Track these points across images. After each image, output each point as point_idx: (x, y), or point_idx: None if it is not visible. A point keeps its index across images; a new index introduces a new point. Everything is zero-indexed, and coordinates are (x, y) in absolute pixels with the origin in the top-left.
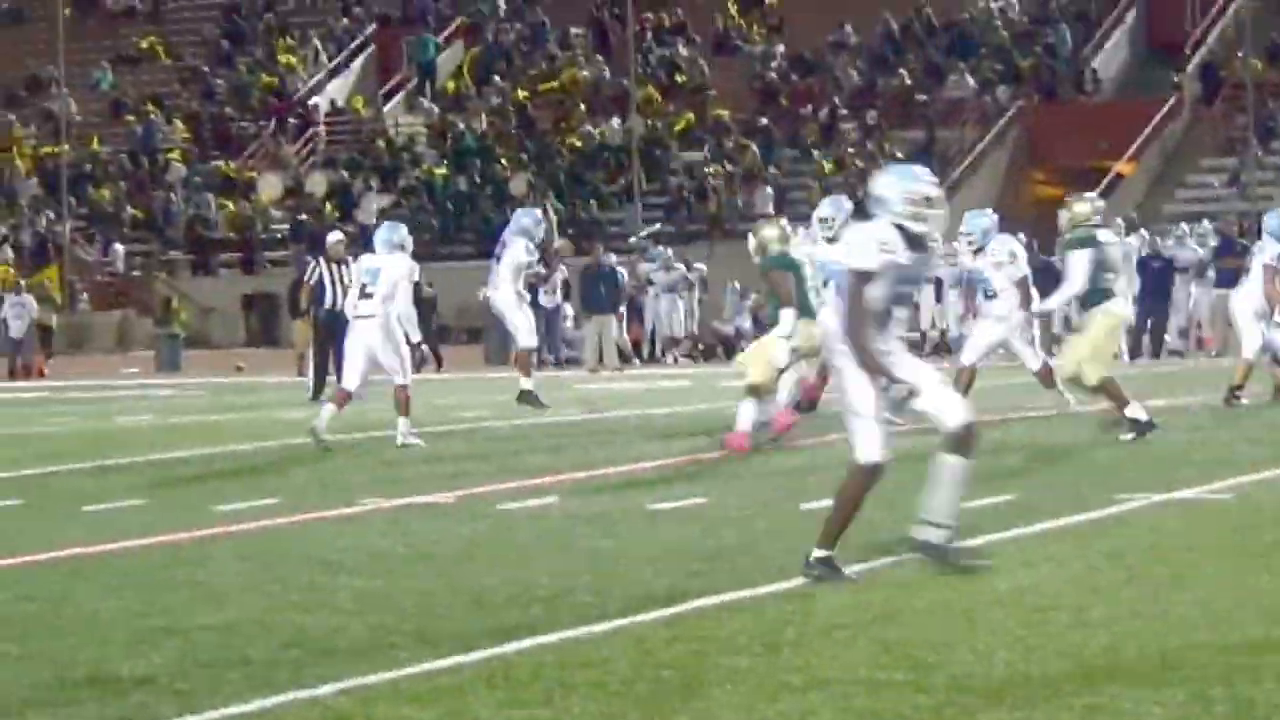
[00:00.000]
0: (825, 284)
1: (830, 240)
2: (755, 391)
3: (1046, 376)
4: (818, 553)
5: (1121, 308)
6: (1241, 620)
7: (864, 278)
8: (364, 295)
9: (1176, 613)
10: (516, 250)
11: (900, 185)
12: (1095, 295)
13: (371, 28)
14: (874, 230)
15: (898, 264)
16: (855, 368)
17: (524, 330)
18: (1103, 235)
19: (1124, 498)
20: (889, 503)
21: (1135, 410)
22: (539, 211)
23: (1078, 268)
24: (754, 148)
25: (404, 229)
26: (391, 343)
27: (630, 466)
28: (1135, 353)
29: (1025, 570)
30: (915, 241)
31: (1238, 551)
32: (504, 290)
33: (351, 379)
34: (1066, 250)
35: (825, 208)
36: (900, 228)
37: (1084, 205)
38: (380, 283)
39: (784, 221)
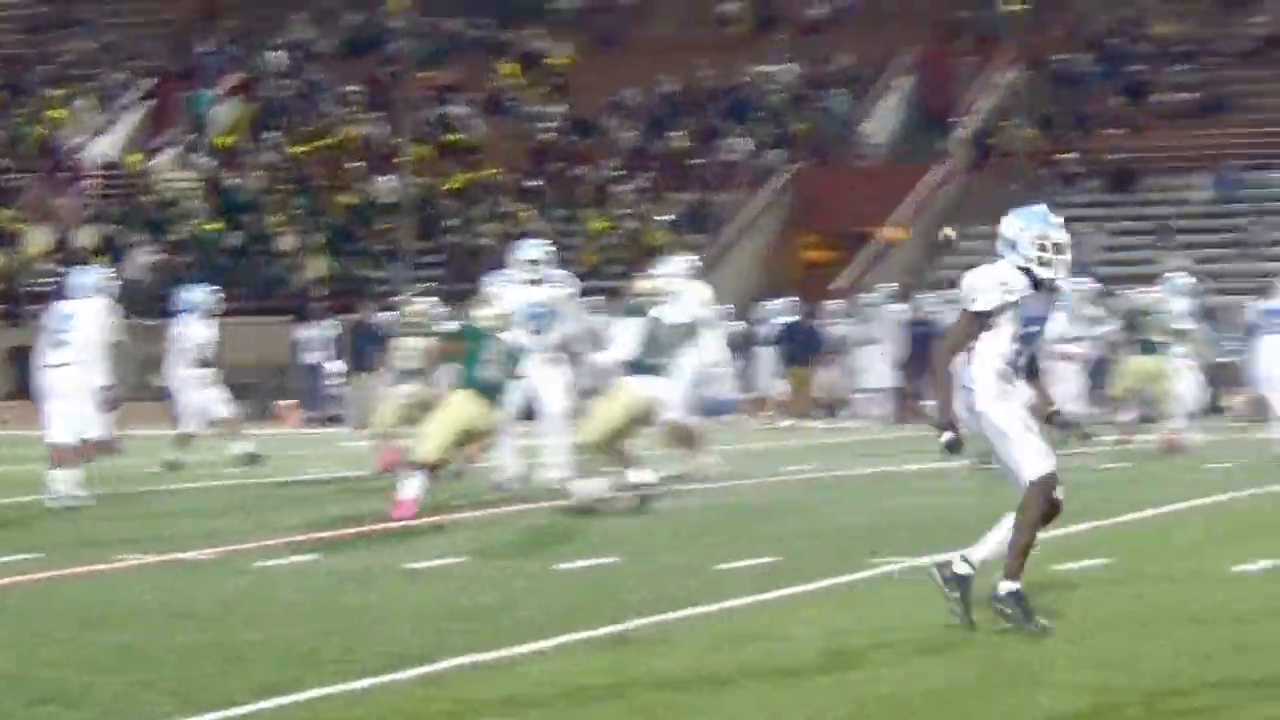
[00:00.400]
0: (536, 331)
1: (534, 283)
2: (426, 465)
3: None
4: (1007, 586)
5: (651, 388)
6: (999, 681)
7: (980, 318)
8: (58, 344)
9: (930, 678)
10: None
11: (1029, 229)
12: (641, 366)
13: (150, 81)
14: (998, 272)
15: (1018, 302)
16: (992, 397)
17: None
18: (660, 311)
19: (880, 561)
20: (642, 557)
21: (641, 475)
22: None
23: (626, 335)
24: (528, 208)
25: (97, 274)
26: (84, 392)
27: (389, 524)
28: (902, 418)
29: (778, 633)
30: (1039, 285)
31: (984, 616)
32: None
33: (67, 430)
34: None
35: (531, 250)
36: (1025, 270)
37: (648, 283)
38: (75, 329)
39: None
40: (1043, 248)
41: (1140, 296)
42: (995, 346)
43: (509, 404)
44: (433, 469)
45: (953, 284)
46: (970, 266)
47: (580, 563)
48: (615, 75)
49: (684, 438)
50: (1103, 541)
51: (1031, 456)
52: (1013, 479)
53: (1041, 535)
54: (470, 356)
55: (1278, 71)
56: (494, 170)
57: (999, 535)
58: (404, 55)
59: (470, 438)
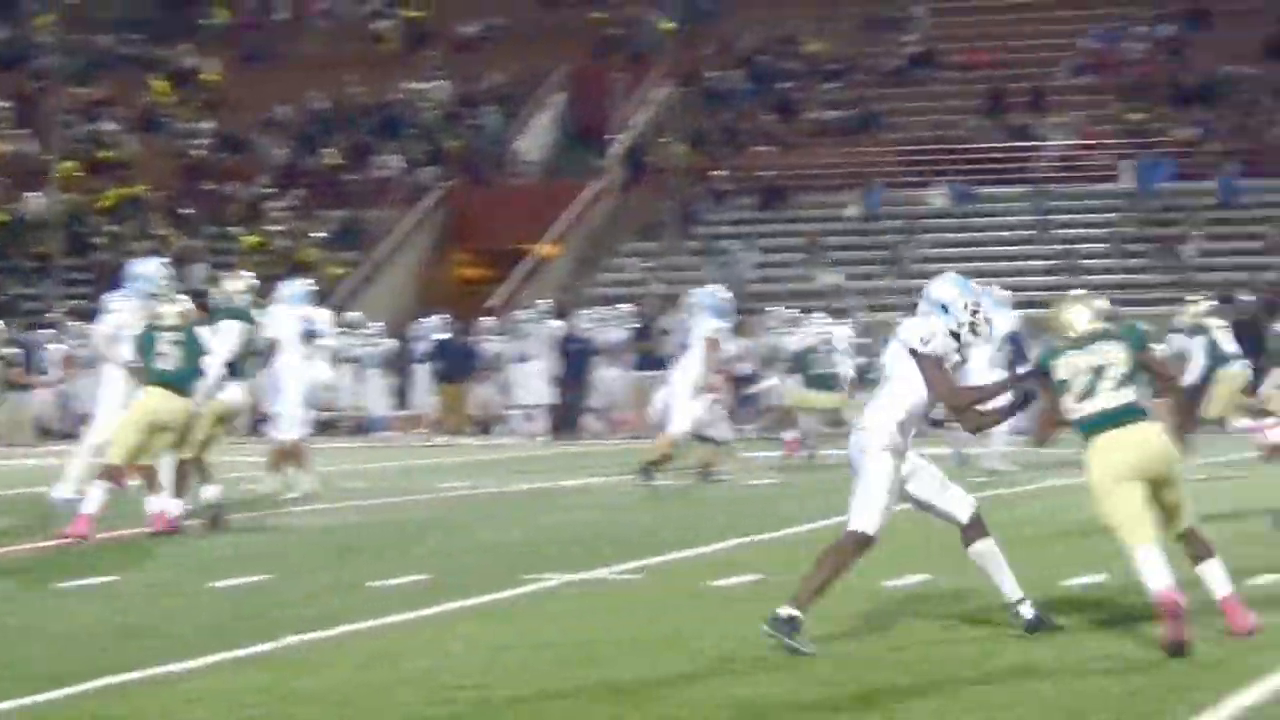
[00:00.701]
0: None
1: (152, 298)
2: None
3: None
4: (789, 611)
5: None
6: (642, 700)
7: (935, 363)
8: None
9: (583, 691)
10: None
11: (964, 296)
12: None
13: None
14: (941, 326)
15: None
16: (883, 445)
17: None
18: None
19: (534, 577)
20: (296, 575)
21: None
22: None
23: (229, 336)
24: (177, 226)
25: None
26: None
27: (41, 544)
28: (557, 432)
29: (433, 650)
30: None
31: (646, 630)
32: None
33: None
34: (221, 318)
35: (148, 267)
36: (955, 335)
37: (237, 282)
38: None
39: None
40: (974, 315)
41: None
42: (906, 399)
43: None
44: (119, 477)
45: (607, 301)
46: (623, 284)
47: (233, 581)
48: (266, 92)
49: (290, 456)
50: (754, 556)
51: (874, 513)
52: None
53: (692, 551)
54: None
55: (926, 90)
56: (145, 187)
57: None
58: (52, 70)
59: (158, 433)
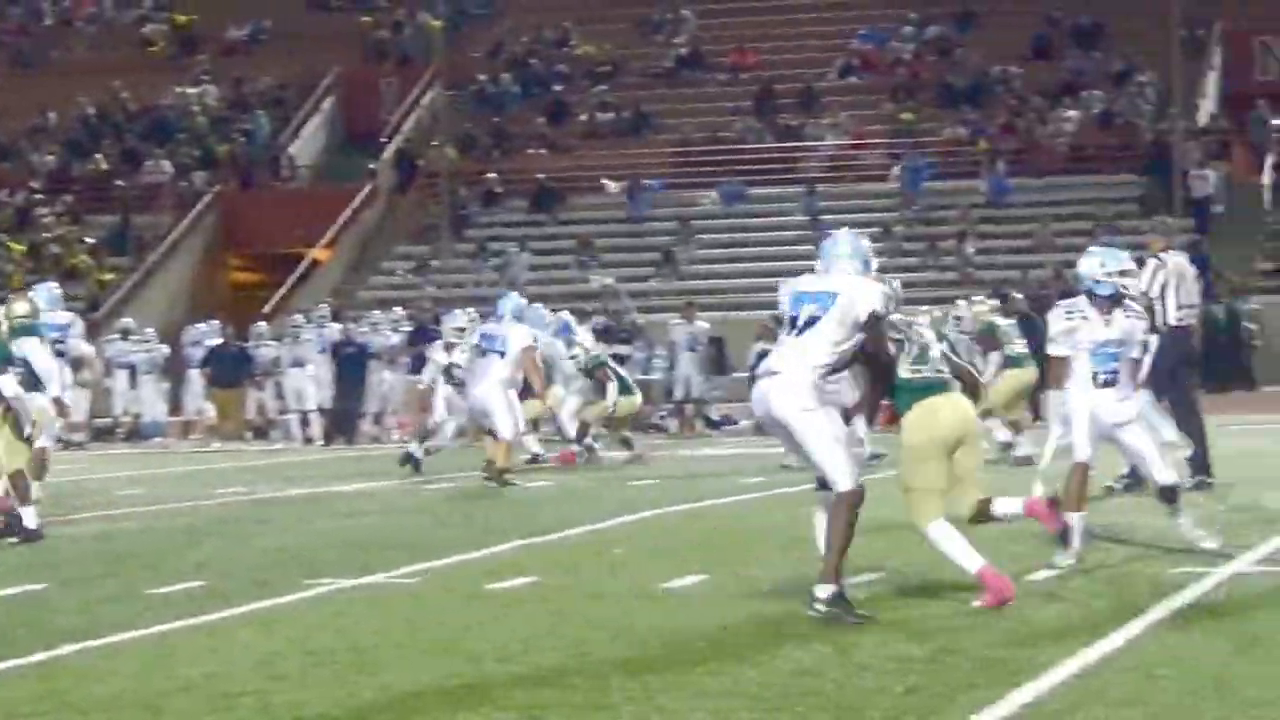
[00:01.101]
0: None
1: None
2: None
3: None
4: (826, 590)
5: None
6: (422, 705)
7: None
8: None
9: (362, 696)
10: None
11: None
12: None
13: None
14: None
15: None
16: (801, 409)
17: None
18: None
19: (312, 582)
20: (71, 583)
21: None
22: None
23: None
24: None
25: None
26: None
27: None
28: (330, 438)
29: (213, 656)
30: None
31: (422, 636)
32: None
33: None
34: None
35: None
36: None
37: (23, 304)
38: None
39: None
40: None
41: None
42: (821, 358)
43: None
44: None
45: (380, 305)
46: (395, 287)
47: (8, 590)
48: (34, 97)
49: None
50: (531, 559)
51: (843, 469)
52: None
53: (470, 555)
54: None
55: (697, 91)
56: None
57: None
58: None
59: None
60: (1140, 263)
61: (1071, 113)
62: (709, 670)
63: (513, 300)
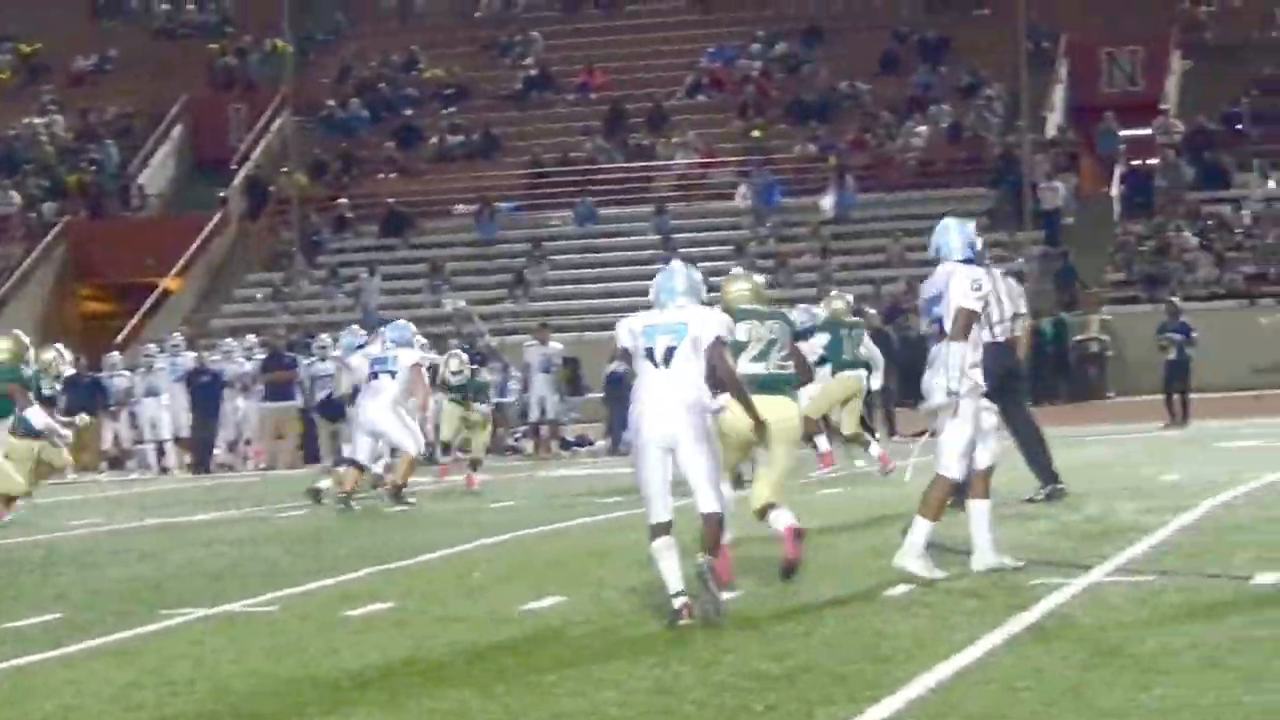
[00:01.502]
0: None
1: None
2: None
3: None
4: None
5: None
6: None
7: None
8: None
9: None
10: None
11: None
12: None
13: None
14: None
15: None
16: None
17: None
18: None
19: (170, 613)
20: None
21: None
22: None
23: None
24: None
25: None
26: None
27: None
28: (197, 469)
29: (70, 689)
30: None
31: (280, 664)
32: None
33: None
34: None
35: None
36: None
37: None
38: None
39: None
40: None
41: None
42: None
43: None
44: None
45: (232, 332)
46: (248, 314)
47: None
48: None
49: None
50: (389, 584)
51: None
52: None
53: (326, 581)
54: None
55: (546, 112)
56: None
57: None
58: None
59: None
60: None
61: (921, 127)
62: (568, 691)
63: (399, 327)
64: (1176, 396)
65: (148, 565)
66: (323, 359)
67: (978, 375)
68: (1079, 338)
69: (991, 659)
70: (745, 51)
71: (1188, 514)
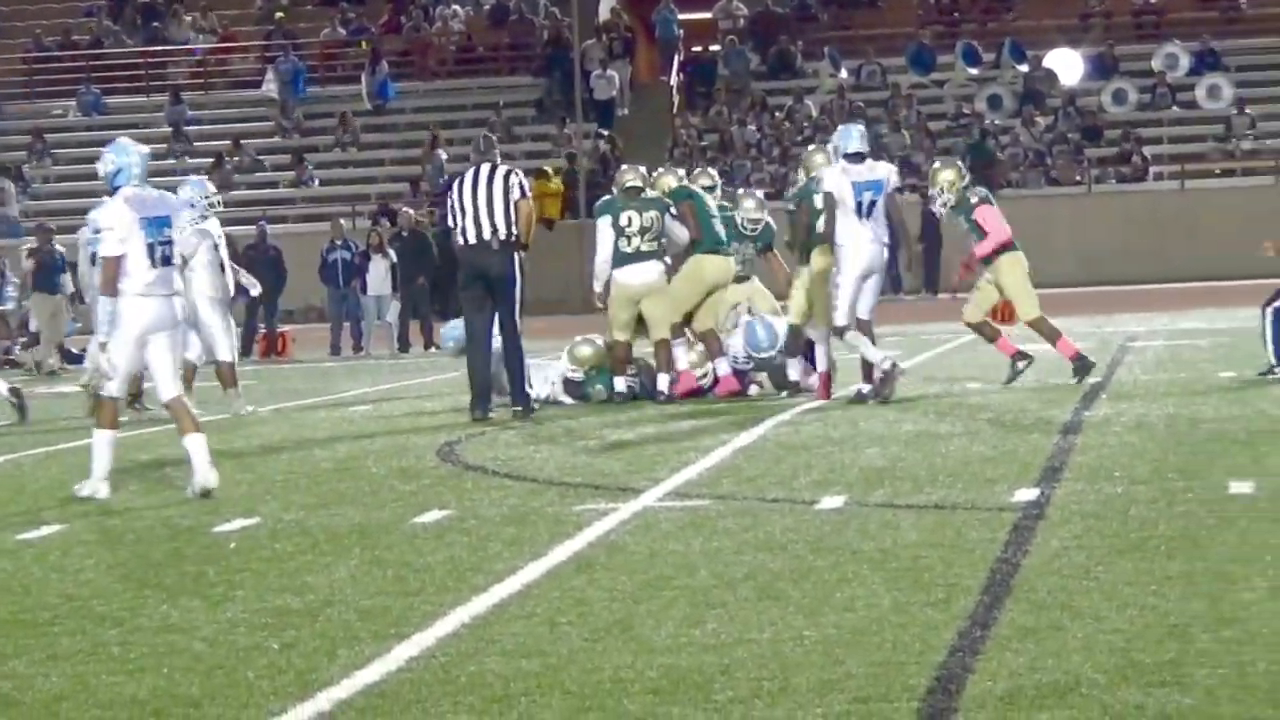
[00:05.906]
0: None
1: None
2: None
3: None
4: None
5: None
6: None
7: None
8: None
9: None
10: None
11: None
12: None
13: None
14: None
15: None
16: None
17: None
18: None
19: None
20: None
21: None
22: None
23: None
24: None
25: None
26: None
27: None
28: None
29: None
30: None
31: None
32: None
33: None
34: None
35: None
36: None
37: None
38: None
39: None
40: None
41: None
42: None
43: None
44: None
45: None
46: None
47: None
48: None
49: None
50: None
51: None
52: None
53: None
54: None
55: None
56: None
57: None
58: None
59: None
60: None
61: (458, 8)
62: (66, 630)
63: None
64: None
65: None
66: None
67: None
68: None
69: (532, 591)
70: None
71: (747, 432)
